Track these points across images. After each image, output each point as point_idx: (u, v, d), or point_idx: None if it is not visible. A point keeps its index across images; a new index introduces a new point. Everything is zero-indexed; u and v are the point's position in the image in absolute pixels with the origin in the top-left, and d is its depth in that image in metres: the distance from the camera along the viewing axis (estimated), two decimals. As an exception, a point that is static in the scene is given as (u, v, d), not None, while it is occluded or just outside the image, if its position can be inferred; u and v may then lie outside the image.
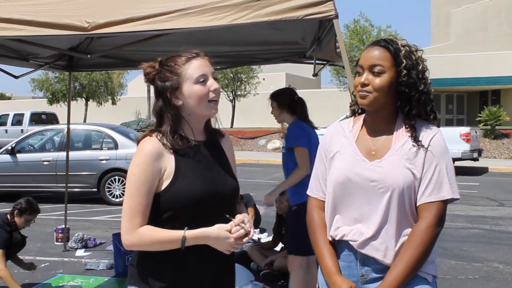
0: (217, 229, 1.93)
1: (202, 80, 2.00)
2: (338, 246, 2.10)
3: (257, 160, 20.48)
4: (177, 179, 1.97)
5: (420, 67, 2.03)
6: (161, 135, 2.01)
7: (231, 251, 1.98)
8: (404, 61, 1.99)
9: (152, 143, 1.99)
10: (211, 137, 2.14)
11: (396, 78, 2.00)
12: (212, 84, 2.01)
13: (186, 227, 1.93)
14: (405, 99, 2.02)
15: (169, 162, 1.98)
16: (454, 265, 6.30)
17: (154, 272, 2.00)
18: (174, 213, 1.97)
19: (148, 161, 1.95)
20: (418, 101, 2.02)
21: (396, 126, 2.06)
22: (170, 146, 1.99)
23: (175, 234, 1.92)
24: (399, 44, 2.03)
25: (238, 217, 1.97)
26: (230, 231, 1.93)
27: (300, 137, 4.21)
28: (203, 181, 2.01)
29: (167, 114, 2.02)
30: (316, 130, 4.45)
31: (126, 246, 1.98)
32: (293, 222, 4.34)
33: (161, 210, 1.98)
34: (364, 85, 2.01)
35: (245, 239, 1.94)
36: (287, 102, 4.37)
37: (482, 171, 17.41)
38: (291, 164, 4.25)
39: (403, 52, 2.01)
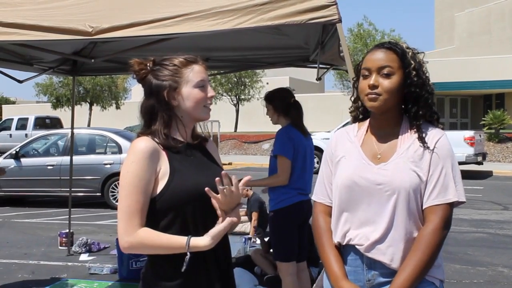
0: (214, 231, 1.93)
1: (202, 85, 2.03)
2: (344, 250, 2.09)
3: (261, 164, 20.44)
4: (174, 177, 1.95)
5: (424, 68, 2.06)
6: (151, 136, 2.01)
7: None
8: (413, 62, 2.01)
9: (146, 141, 1.97)
10: (198, 141, 2.15)
11: (404, 79, 2.00)
12: (210, 91, 2.06)
13: (189, 236, 1.89)
14: (413, 99, 2.03)
15: (163, 162, 1.97)
16: (459, 269, 6.27)
17: (164, 279, 1.96)
18: (176, 214, 1.93)
19: (143, 158, 1.93)
20: (426, 101, 2.03)
21: (401, 129, 2.06)
22: (162, 145, 1.99)
23: (178, 241, 1.89)
24: (404, 46, 2.06)
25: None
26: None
27: (286, 147, 4.11)
28: (201, 175, 2.00)
29: (162, 113, 2.02)
30: (312, 136, 4.39)
31: (124, 249, 1.93)
32: (271, 228, 4.37)
33: (160, 214, 1.94)
34: (373, 87, 2.00)
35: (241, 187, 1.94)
36: (282, 106, 4.25)
37: (486, 174, 17.37)
38: (277, 170, 4.17)
39: (410, 53, 2.03)
